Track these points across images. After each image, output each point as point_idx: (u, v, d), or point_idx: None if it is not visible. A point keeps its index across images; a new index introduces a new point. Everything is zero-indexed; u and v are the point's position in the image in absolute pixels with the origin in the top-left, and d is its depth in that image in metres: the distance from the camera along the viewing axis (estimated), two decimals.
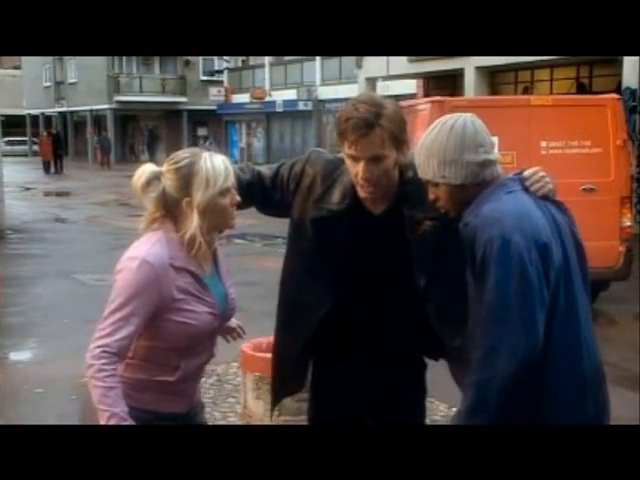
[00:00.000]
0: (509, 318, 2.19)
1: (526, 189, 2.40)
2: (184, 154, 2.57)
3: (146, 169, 2.58)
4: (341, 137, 2.61)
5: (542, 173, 2.45)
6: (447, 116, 2.46)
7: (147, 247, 2.49)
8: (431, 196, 2.47)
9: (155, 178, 2.55)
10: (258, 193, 2.86)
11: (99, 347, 2.39)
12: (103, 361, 2.37)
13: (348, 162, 2.63)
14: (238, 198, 2.60)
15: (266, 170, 2.92)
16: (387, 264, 2.74)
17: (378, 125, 2.54)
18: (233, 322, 2.88)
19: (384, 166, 2.59)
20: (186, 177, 2.51)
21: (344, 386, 2.85)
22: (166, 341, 2.52)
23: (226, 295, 2.68)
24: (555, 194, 2.45)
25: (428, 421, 3.02)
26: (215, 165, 2.52)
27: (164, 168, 2.56)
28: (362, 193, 2.65)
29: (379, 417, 2.88)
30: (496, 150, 2.45)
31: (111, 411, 2.34)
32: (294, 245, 2.86)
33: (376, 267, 2.74)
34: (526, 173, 2.45)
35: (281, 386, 3.02)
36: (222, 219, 2.58)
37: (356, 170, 2.59)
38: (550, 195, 2.43)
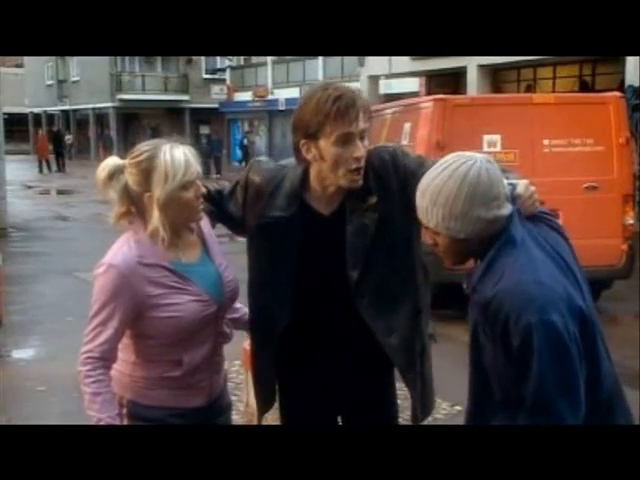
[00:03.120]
0: (553, 409, 2.09)
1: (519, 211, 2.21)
2: (144, 147, 2.51)
3: (109, 162, 2.55)
4: (328, 121, 2.44)
5: (532, 188, 2.26)
6: (459, 157, 2.17)
7: (113, 252, 2.49)
8: (429, 241, 2.29)
9: (119, 171, 2.52)
10: (219, 205, 2.80)
11: (84, 353, 2.44)
12: (88, 367, 2.43)
13: (333, 151, 2.47)
14: (203, 190, 2.56)
15: (227, 184, 2.86)
16: (340, 265, 2.61)
17: (360, 99, 2.50)
18: (243, 309, 2.86)
19: (365, 143, 2.52)
20: (145, 171, 2.46)
21: (312, 392, 2.76)
22: (159, 338, 2.51)
23: (220, 277, 2.63)
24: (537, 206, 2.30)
25: (430, 419, 3.01)
26: (175, 158, 2.46)
27: (126, 162, 2.52)
28: (349, 182, 2.51)
29: (350, 422, 2.80)
30: (508, 205, 2.18)
31: (98, 417, 2.39)
32: (252, 260, 2.77)
33: (330, 269, 2.64)
34: (519, 190, 2.23)
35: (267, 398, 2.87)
36: (186, 212, 2.52)
37: (349, 153, 2.47)
38: (536, 211, 2.27)
